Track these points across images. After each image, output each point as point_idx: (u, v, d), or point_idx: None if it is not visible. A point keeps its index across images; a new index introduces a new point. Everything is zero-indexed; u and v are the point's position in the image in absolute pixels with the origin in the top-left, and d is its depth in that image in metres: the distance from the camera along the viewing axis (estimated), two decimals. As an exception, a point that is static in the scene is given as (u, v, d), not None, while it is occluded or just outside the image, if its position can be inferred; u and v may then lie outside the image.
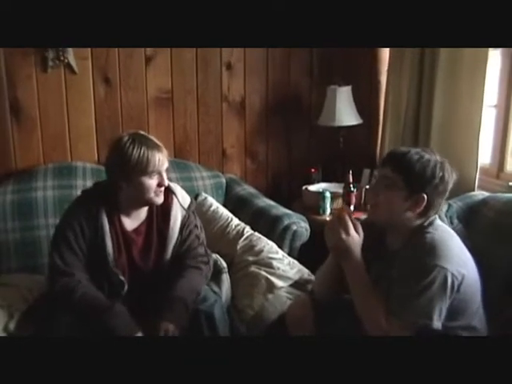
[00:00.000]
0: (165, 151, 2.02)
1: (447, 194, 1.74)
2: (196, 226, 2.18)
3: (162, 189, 2.04)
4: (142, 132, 2.07)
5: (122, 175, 1.97)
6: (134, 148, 1.93)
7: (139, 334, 1.90)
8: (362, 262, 1.73)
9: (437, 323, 1.59)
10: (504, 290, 1.99)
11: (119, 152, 1.96)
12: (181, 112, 3.17)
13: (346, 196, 3.00)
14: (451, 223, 2.24)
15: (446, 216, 2.26)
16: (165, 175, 2.02)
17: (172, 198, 2.13)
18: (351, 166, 3.09)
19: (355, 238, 1.73)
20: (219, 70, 3.19)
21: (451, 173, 1.72)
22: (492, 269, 1.95)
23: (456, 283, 1.61)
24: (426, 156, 1.69)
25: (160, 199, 2.05)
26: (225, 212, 2.84)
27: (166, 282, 2.04)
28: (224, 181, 3.15)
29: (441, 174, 1.68)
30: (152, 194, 2.01)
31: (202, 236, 2.21)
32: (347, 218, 1.74)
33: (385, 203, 1.73)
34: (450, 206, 2.32)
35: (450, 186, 1.72)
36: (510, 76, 2.59)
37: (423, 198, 1.68)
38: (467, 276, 1.64)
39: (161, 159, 1.98)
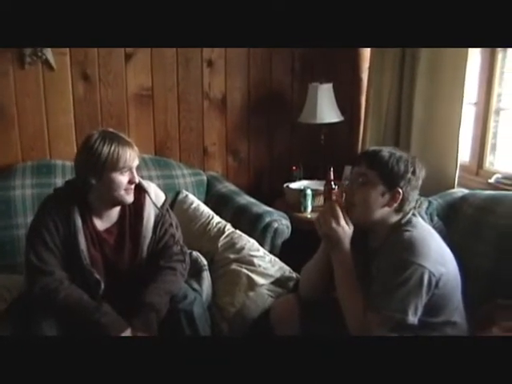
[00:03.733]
0: (135, 148, 2.00)
1: (419, 189, 1.80)
2: (171, 224, 2.15)
3: (133, 186, 2.01)
4: (112, 130, 2.05)
5: (92, 172, 1.94)
6: (104, 144, 1.92)
7: (129, 331, 1.89)
8: (350, 254, 1.76)
9: (412, 318, 1.61)
10: (483, 286, 2.01)
11: (90, 149, 1.93)
12: (161, 109, 3.14)
13: (328, 193, 3.00)
14: (431, 220, 2.26)
15: (427, 213, 2.28)
16: (135, 172, 2.00)
17: (144, 197, 2.10)
18: (332, 164, 3.08)
19: (345, 228, 1.75)
20: (200, 67, 3.17)
21: (421, 168, 1.79)
22: (471, 265, 1.97)
23: (434, 281, 1.63)
24: (398, 153, 1.77)
25: (130, 198, 2.02)
26: (206, 210, 2.82)
27: (142, 284, 2.02)
28: (205, 178, 3.13)
29: (412, 168, 1.75)
30: (122, 192, 1.98)
31: (178, 234, 2.19)
32: (338, 208, 1.76)
33: (362, 200, 1.75)
34: (430, 203, 2.33)
35: (421, 181, 1.79)
36: (489, 73, 2.62)
37: (399, 192, 1.72)
38: (446, 273, 1.67)
39: (132, 155, 1.97)
